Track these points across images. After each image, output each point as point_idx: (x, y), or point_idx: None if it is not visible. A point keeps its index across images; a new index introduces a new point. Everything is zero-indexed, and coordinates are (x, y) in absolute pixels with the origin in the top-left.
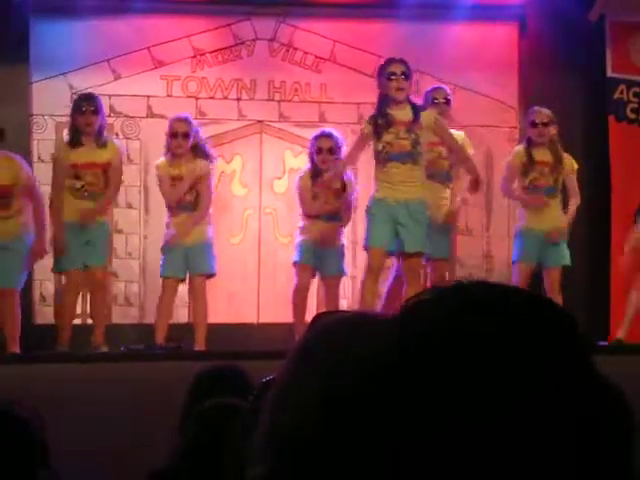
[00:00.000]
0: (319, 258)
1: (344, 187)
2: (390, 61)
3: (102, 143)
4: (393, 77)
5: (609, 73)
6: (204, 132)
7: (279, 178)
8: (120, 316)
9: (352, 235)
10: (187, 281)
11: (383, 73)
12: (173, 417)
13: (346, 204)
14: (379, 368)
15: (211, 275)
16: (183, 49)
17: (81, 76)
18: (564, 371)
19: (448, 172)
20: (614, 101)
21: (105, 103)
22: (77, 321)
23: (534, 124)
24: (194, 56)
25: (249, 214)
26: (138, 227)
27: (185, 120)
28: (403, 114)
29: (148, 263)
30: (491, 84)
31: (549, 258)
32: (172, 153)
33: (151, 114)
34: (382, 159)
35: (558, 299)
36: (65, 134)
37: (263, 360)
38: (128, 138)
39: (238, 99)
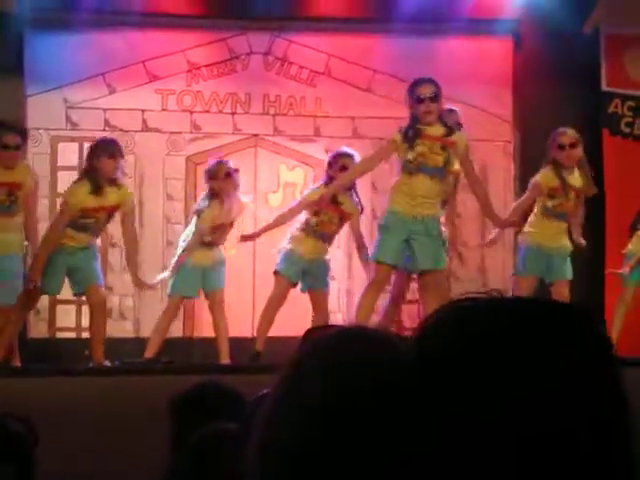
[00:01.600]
0: (304, 271)
1: (350, 215)
2: (419, 82)
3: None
4: (422, 99)
5: (604, 87)
6: (199, 146)
7: (274, 192)
8: (115, 330)
9: (347, 248)
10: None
11: (412, 94)
12: (167, 432)
13: (356, 235)
14: (395, 389)
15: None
16: (178, 63)
17: (76, 90)
18: (591, 394)
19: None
20: (608, 115)
21: (100, 117)
22: (72, 334)
23: (561, 147)
24: (189, 70)
25: (244, 227)
26: None
27: None
28: (435, 129)
29: (143, 277)
30: (486, 98)
31: (553, 272)
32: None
33: (146, 128)
34: (411, 169)
35: None
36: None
37: (257, 374)
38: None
39: (233, 113)
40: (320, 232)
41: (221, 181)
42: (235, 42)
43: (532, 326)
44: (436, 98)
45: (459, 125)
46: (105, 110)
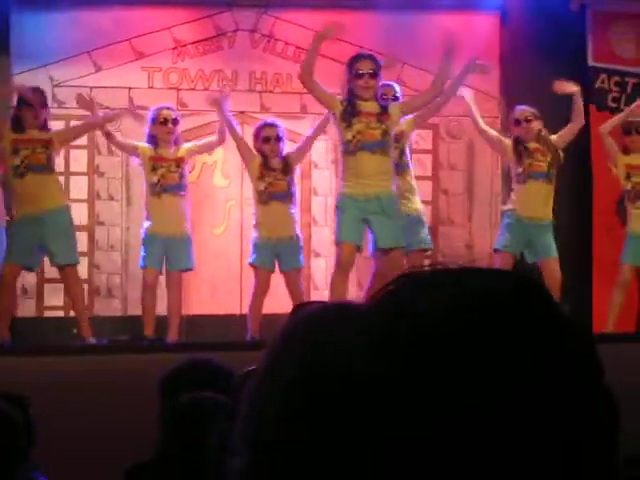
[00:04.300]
0: (276, 254)
1: (289, 166)
2: (359, 57)
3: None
4: (361, 73)
5: (590, 62)
6: (185, 123)
7: None
8: (102, 308)
9: (334, 225)
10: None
11: (351, 68)
12: (157, 409)
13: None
14: (349, 357)
15: (190, 269)
16: (164, 40)
17: (62, 68)
18: (545, 359)
19: (399, 163)
20: (595, 90)
21: (86, 95)
22: (60, 313)
23: (518, 122)
24: (175, 47)
25: (231, 205)
26: (120, 219)
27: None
28: (370, 106)
29: (130, 255)
30: (472, 74)
31: (536, 250)
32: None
33: (132, 106)
34: (352, 149)
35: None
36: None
37: (245, 351)
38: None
39: (220, 91)
40: (275, 193)
41: (156, 127)
42: (221, 19)
43: (470, 294)
44: (375, 75)
45: (396, 99)
46: (91, 88)
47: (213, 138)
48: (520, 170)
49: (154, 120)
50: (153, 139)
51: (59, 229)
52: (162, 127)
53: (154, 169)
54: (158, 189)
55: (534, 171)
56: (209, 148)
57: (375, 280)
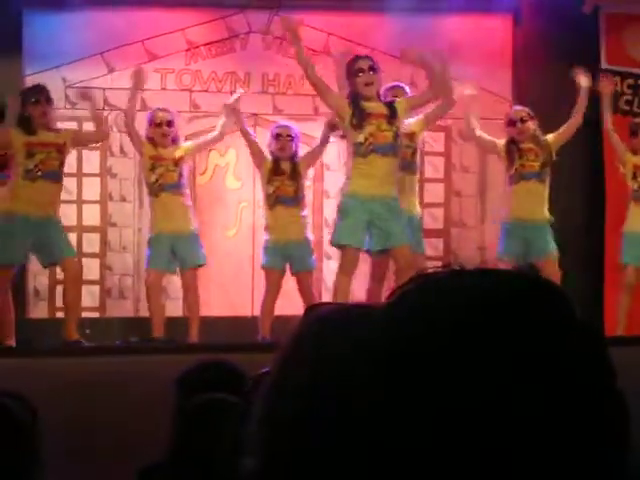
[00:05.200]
0: (287, 256)
1: (298, 170)
2: (356, 58)
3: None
4: (361, 73)
5: (603, 65)
6: (198, 125)
7: None
8: (114, 309)
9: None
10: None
11: (351, 71)
12: (168, 411)
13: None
14: (366, 357)
15: (202, 265)
16: (177, 42)
17: (75, 69)
18: (556, 359)
19: (411, 161)
20: None
21: (99, 96)
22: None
23: (512, 122)
24: (188, 49)
25: (243, 207)
26: (132, 220)
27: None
28: (378, 107)
29: (142, 256)
30: (485, 76)
31: (534, 251)
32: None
33: (145, 107)
34: (364, 152)
35: None
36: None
37: (257, 353)
38: (122, 131)
39: (232, 92)
40: (281, 197)
41: (152, 129)
42: (234, 21)
43: (487, 296)
44: (375, 70)
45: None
46: (104, 89)
47: (213, 134)
48: (512, 171)
49: (150, 122)
50: (151, 140)
51: (55, 232)
52: (157, 129)
53: (153, 168)
54: (156, 188)
55: (526, 172)
56: (208, 145)
57: (374, 279)
